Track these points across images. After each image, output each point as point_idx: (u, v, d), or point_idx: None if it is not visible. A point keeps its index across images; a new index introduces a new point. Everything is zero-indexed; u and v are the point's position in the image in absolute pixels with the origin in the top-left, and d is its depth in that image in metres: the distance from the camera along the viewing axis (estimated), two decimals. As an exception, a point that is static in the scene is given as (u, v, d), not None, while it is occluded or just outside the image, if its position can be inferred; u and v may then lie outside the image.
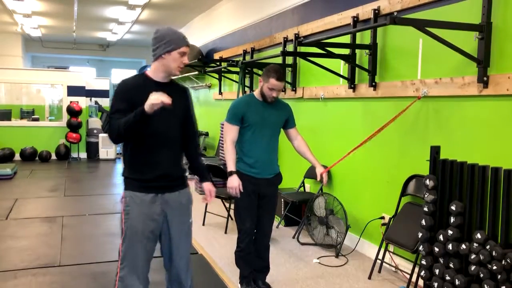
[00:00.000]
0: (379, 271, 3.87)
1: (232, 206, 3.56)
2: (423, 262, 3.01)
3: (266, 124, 3.24)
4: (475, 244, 2.64)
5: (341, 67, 4.68)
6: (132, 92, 2.36)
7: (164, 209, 2.47)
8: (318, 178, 3.19)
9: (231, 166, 3.17)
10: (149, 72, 2.46)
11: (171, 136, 2.47)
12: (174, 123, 2.48)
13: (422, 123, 3.70)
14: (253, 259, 3.36)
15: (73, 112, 10.65)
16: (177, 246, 2.56)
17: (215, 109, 8.75)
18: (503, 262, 2.46)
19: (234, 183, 3.13)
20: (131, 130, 2.29)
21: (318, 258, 4.20)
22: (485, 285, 2.56)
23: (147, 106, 2.17)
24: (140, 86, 2.39)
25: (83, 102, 11.13)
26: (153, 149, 2.41)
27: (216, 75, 8.23)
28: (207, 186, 2.71)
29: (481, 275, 2.59)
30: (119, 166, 10.14)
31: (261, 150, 3.22)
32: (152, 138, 2.41)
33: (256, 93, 3.30)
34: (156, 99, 2.16)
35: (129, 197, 2.42)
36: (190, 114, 2.60)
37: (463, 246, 2.72)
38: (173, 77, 2.52)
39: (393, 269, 3.91)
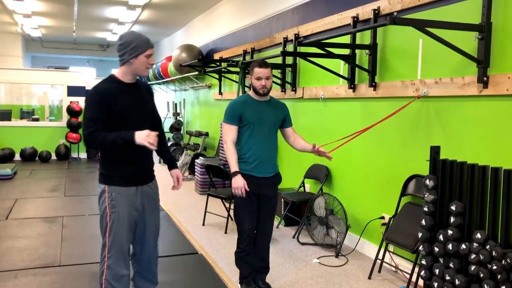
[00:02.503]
0: (379, 271, 3.87)
1: (232, 206, 3.56)
2: (423, 262, 3.01)
3: (264, 122, 3.24)
4: (475, 244, 2.64)
5: (341, 67, 4.68)
6: (111, 98, 2.52)
7: (143, 200, 2.70)
8: (316, 151, 3.26)
9: (234, 166, 3.17)
10: (118, 75, 2.62)
11: None
12: (146, 120, 2.69)
13: (422, 123, 3.70)
14: (253, 259, 3.36)
15: (73, 112, 10.66)
16: (150, 231, 2.79)
17: (215, 109, 8.75)
18: (503, 262, 2.46)
19: (239, 183, 3.12)
20: (112, 148, 2.53)
21: (318, 258, 4.21)
22: (485, 285, 2.56)
23: (138, 139, 2.44)
24: (116, 90, 2.56)
25: (83, 102, 11.13)
26: (132, 147, 2.54)
27: (216, 75, 8.23)
28: (176, 172, 2.90)
29: (481, 275, 2.59)
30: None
31: (260, 148, 3.22)
32: None
33: (251, 92, 3.31)
34: (146, 140, 2.43)
35: (115, 192, 2.59)
36: (155, 108, 2.84)
37: (463, 246, 2.72)
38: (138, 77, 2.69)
39: (393, 269, 3.91)
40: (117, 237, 2.61)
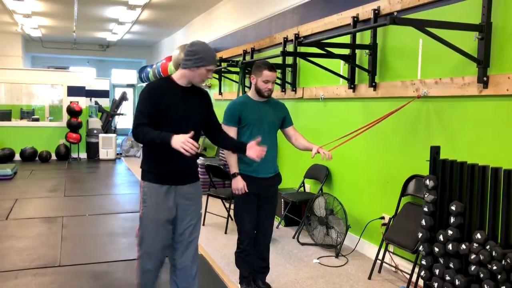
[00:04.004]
0: (379, 271, 3.87)
1: (232, 206, 3.57)
2: (423, 262, 3.01)
3: (264, 123, 3.25)
4: (475, 244, 2.64)
5: (341, 67, 4.68)
6: (160, 95, 2.61)
7: (177, 200, 2.69)
8: (313, 155, 3.23)
9: (234, 168, 3.18)
10: (175, 76, 2.70)
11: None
12: (193, 124, 2.69)
13: (422, 123, 3.70)
14: (253, 259, 3.36)
15: (73, 112, 10.65)
16: (187, 235, 2.75)
17: (215, 109, 8.70)
18: (503, 262, 2.46)
19: (239, 185, 3.14)
20: (152, 145, 2.59)
21: (318, 258, 4.20)
22: (485, 285, 2.56)
23: (174, 143, 2.41)
24: (167, 89, 2.64)
25: (83, 102, 11.13)
26: (169, 147, 2.48)
27: (216, 75, 8.23)
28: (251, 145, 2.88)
29: (481, 275, 2.59)
30: (119, 167, 10.15)
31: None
32: None
33: (250, 93, 3.31)
34: (182, 146, 2.38)
35: (147, 187, 2.65)
36: (211, 114, 2.94)
37: (463, 246, 2.72)
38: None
39: (393, 269, 3.91)
40: (145, 231, 2.67)
